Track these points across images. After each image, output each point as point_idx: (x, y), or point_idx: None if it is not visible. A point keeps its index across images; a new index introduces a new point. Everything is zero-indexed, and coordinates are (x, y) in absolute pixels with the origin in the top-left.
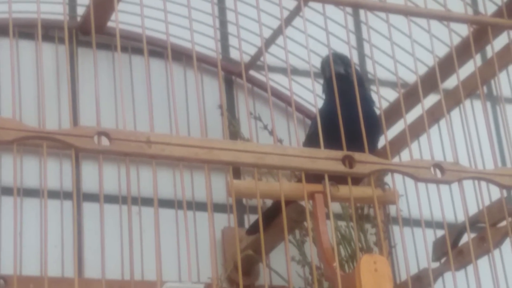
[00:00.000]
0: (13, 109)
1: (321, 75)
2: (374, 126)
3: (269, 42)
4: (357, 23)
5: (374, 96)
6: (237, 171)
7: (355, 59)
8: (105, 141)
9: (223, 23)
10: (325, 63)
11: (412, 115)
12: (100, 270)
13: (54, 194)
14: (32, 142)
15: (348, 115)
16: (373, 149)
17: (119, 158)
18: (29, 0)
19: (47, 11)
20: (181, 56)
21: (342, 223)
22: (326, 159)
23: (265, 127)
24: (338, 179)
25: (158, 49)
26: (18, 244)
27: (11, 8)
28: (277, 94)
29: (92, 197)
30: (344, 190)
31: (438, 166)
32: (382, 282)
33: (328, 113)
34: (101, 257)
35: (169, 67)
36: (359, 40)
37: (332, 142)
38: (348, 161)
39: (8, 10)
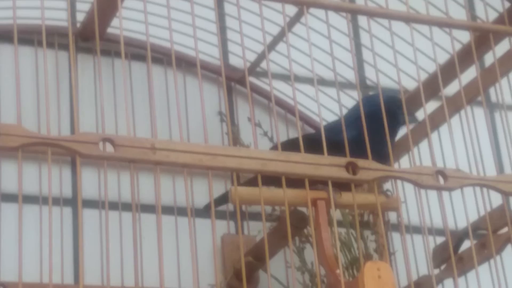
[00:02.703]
0: (18, 115)
1: (323, 83)
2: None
3: (269, 48)
4: (355, 28)
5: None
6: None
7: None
8: (109, 148)
9: (222, 29)
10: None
11: None
12: (99, 277)
13: (53, 201)
14: (33, 149)
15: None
16: None
17: (119, 164)
18: (30, 6)
19: (47, 17)
20: (181, 62)
21: (342, 230)
22: (330, 166)
23: (265, 134)
24: (338, 185)
25: (157, 55)
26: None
27: (15, 14)
28: (276, 101)
29: (91, 204)
30: (346, 196)
31: (441, 173)
32: None
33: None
34: (106, 265)
35: (168, 73)
36: (358, 45)
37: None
38: (352, 168)
39: (9, 16)
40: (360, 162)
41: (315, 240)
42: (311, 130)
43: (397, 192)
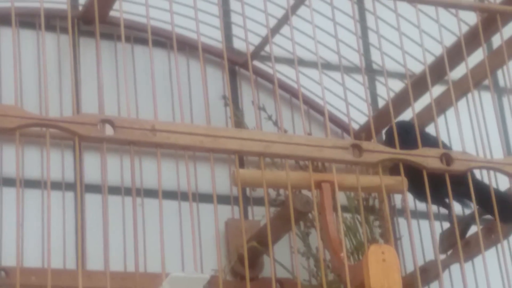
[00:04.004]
0: (16, 96)
1: (328, 67)
2: None
3: (273, 31)
4: (361, 10)
5: (382, 87)
6: (241, 162)
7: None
8: (109, 129)
9: (226, 12)
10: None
11: (418, 106)
12: (103, 262)
13: (55, 185)
14: (35, 132)
15: None
16: None
17: (121, 149)
18: None
19: (49, 0)
20: (184, 46)
21: (347, 215)
22: (333, 148)
23: (270, 118)
24: None
25: (160, 39)
26: (19, 235)
27: None
28: (281, 85)
29: (94, 188)
30: (351, 179)
31: (446, 155)
32: (390, 272)
33: None
34: (104, 249)
35: (172, 57)
36: (363, 28)
37: None
38: (356, 150)
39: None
40: (365, 144)
41: (320, 223)
42: (316, 115)
43: (402, 174)
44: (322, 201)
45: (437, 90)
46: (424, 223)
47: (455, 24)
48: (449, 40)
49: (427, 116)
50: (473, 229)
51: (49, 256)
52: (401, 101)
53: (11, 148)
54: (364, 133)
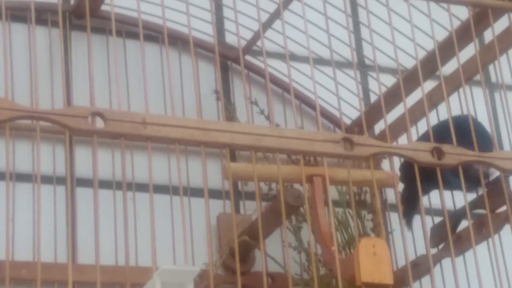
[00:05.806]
0: (6, 88)
1: (321, 61)
2: None
3: (266, 26)
4: (353, 4)
5: (373, 82)
6: (232, 156)
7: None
8: (99, 122)
9: (218, 6)
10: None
11: (409, 101)
12: (94, 255)
13: (46, 179)
14: (25, 126)
15: None
16: None
17: (113, 143)
18: None
19: None
20: (176, 40)
21: (338, 209)
22: (325, 142)
23: (262, 112)
24: None
25: (152, 34)
26: (10, 229)
27: None
28: (273, 80)
29: (85, 182)
30: (342, 173)
31: (437, 149)
32: (381, 265)
33: None
34: (95, 243)
35: (164, 52)
36: (355, 23)
37: None
38: (348, 144)
39: None
40: (356, 138)
41: (311, 217)
42: (308, 110)
43: (393, 168)
44: (313, 195)
45: (428, 85)
46: (415, 217)
47: (446, 19)
48: (441, 35)
49: (418, 111)
50: (464, 224)
51: (39, 250)
52: (393, 96)
53: (1, 141)
54: (357, 127)
